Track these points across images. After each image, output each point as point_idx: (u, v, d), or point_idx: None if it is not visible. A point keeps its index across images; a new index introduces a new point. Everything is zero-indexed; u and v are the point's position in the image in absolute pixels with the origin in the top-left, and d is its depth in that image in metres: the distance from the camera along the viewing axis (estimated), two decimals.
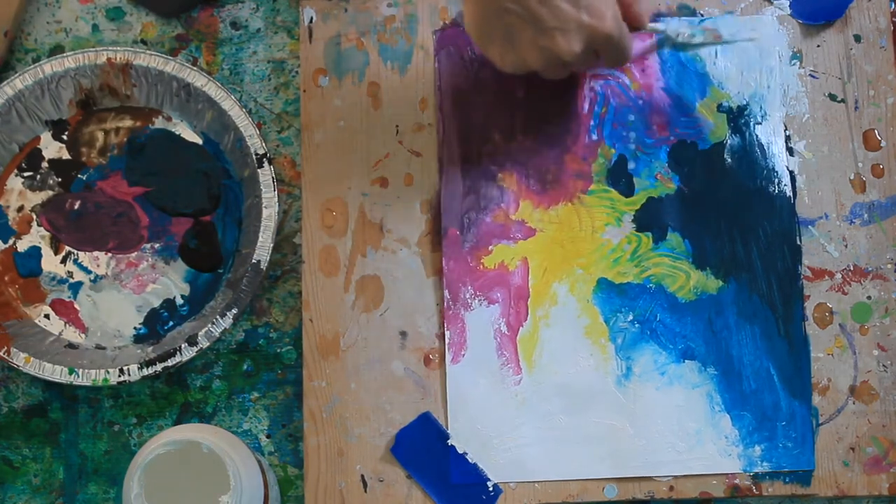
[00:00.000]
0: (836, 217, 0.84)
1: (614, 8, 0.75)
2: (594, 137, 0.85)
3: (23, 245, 0.86)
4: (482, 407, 0.82)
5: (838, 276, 0.83)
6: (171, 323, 0.85)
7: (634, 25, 0.79)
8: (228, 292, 0.83)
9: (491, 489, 0.81)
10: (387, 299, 0.84)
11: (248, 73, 0.88)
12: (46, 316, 0.85)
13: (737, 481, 0.81)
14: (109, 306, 0.85)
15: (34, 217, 0.86)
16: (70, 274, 0.86)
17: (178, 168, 0.87)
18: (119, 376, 0.81)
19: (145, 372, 0.81)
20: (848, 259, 0.83)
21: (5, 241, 0.86)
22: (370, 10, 0.87)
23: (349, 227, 0.84)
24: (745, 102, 0.85)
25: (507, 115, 0.85)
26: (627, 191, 0.84)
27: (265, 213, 0.82)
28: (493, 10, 0.74)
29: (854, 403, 0.82)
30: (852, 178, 0.84)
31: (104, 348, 0.85)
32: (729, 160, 0.84)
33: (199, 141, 0.87)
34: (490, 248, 0.84)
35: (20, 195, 0.87)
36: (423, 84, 0.86)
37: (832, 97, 0.85)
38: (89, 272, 0.86)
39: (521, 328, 0.83)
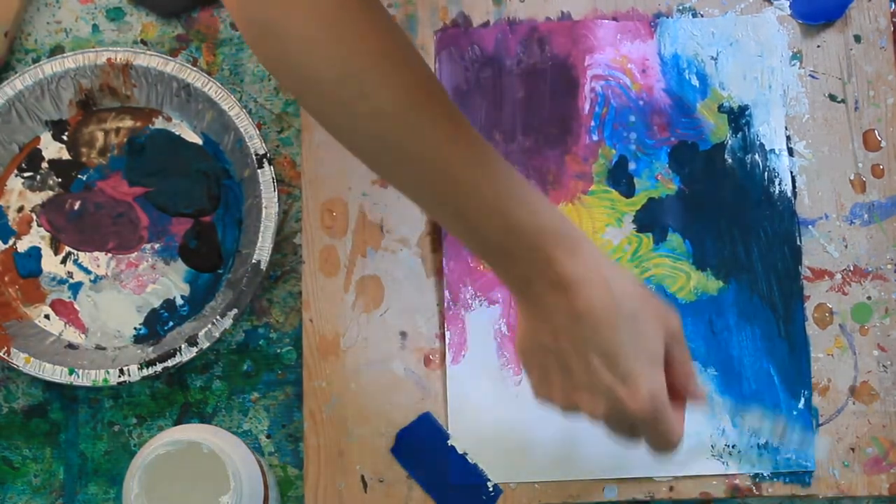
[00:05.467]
0: (837, 217, 0.84)
1: (656, 384, 0.66)
2: (595, 138, 0.85)
3: (23, 245, 0.86)
4: (482, 407, 0.82)
5: (838, 276, 0.83)
6: (171, 323, 0.85)
7: (690, 400, 0.70)
8: (228, 292, 0.83)
9: (491, 489, 0.81)
10: (387, 299, 0.84)
11: (248, 74, 0.88)
12: (46, 316, 0.85)
13: (737, 482, 0.81)
14: (109, 307, 0.85)
15: (34, 217, 0.86)
16: (70, 274, 0.86)
17: (178, 168, 0.87)
18: (119, 376, 0.81)
19: (145, 372, 0.81)
20: (848, 259, 0.83)
21: (5, 242, 0.86)
22: None
23: (349, 228, 0.84)
24: (745, 103, 0.85)
25: (507, 115, 0.85)
26: (628, 191, 0.84)
27: (265, 213, 0.82)
28: (535, 343, 0.68)
29: (854, 404, 0.82)
30: (852, 178, 0.84)
31: (104, 349, 0.85)
32: (729, 161, 0.84)
33: (199, 141, 0.87)
34: None
35: (20, 195, 0.87)
36: None
37: (832, 97, 0.85)
38: (89, 272, 0.86)
39: None
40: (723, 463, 0.81)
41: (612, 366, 0.66)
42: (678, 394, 0.69)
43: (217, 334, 0.81)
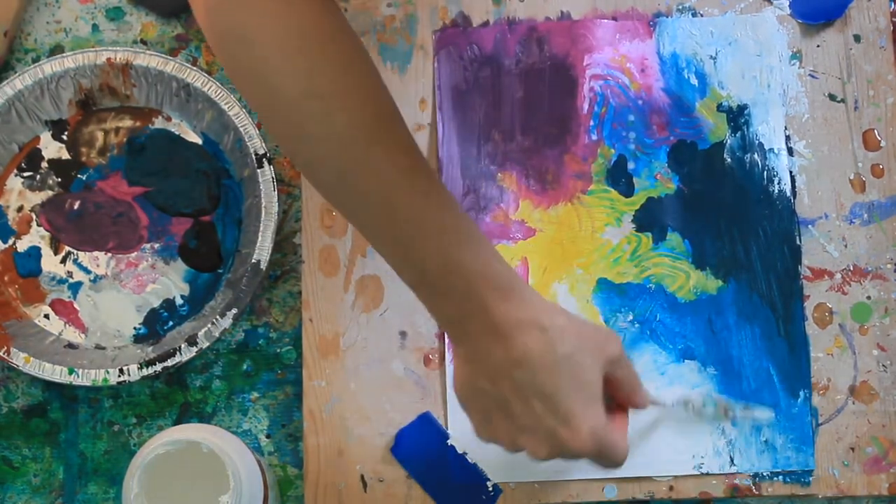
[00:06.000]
0: (836, 217, 0.84)
1: (596, 420, 0.67)
2: (594, 137, 0.85)
3: (22, 245, 0.86)
4: None
5: (838, 276, 0.83)
6: (170, 323, 0.85)
7: (635, 408, 0.73)
8: (228, 292, 0.83)
9: (491, 489, 0.81)
10: (387, 299, 0.84)
11: None
12: (46, 316, 0.85)
13: (736, 481, 0.81)
14: (109, 306, 0.85)
15: (34, 217, 0.86)
16: (70, 274, 0.86)
17: (178, 168, 0.87)
18: (119, 376, 0.81)
19: (145, 372, 0.81)
20: (848, 259, 0.83)
21: (5, 241, 0.86)
22: (370, 10, 0.87)
23: (349, 227, 0.84)
24: (744, 102, 0.85)
25: (506, 115, 0.85)
26: (627, 191, 0.84)
27: (265, 212, 0.82)
28: (473, 386, 0.68)
29: (854, 403, 0.82)
30: (852, 178, 0.84)
31: (104, 348, 0.85)
32: (729, 160, 0.84)
33: (199, 141, 0.87)
34: None
35: (20, 195, 0.87)
36: (423, 84, 0.86)
37: (832, 97, 0.85)
38: (89, 272, 0.86)
39: None
40: (722, 462, 0.81)
41: (553, 408, 0.66)
42: (624, 406, 0.72)
43: (217, 334, 0.81)
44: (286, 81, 0.63)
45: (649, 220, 0.84)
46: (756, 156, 0.84)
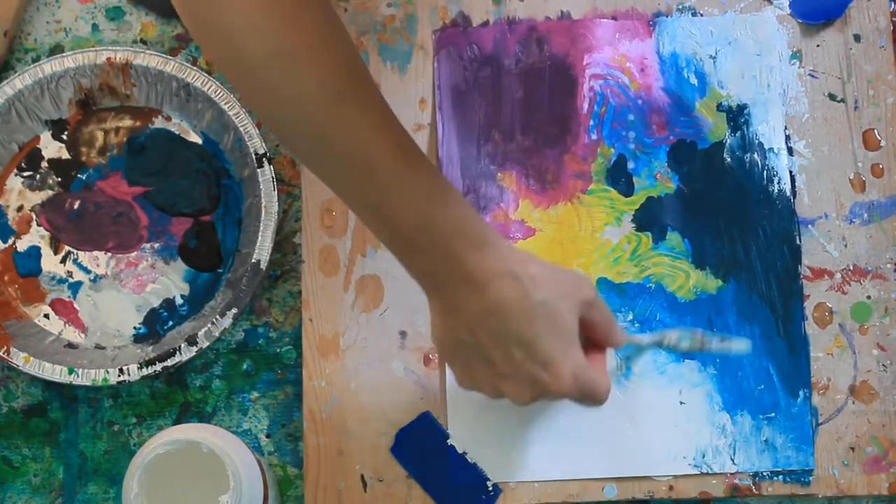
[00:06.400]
0: (836, 217, 0.84)
1: (576, 361, 0.69)
2: (594, 137, 0.85)
3: (22, 245, 0.86)
4: (482, 407, 0.82)
5: (838, 275, 0.83)
6: (170, 323, 0.85)
7: (612, 347, 0.75)
8: (228, 292, 0.83)
9: (491, 489, 0.81)
10: (387, 299, 0.84)
11: None
12: (46, 316, 0.85)
13: (736, 481, 0.81)
14: (109, 306, 0.85)
15: (34, 217, 0.86)
16: (70, 274, 0.86)
17: (178, 168, 0.87)
18: (119, 376, 0.81)
19: (145, 372, 0.81)
20: (848, 259, 0.83)
21: (5, 241, 0.86)
22: (370, 10, 0.87)
23: (349, 227, 0.84)
24: (744, 102, 0.85)
25: (506, 115, 0.85)
26: (627, 190, 0.84)
27: (265, 213, 0.82)
28: (452, 337, 0.70)
29: (854, 403, 0.82)
30: (852, 177, 0.84)
31: (104, 348, 0.85)
32: (728, 160, 0.84)
33: (199, 141, 0.87)
34: None
35: (20, 195, 0.87)
36: (423, 84, 0.86)
37: (832, 97, 0.85)
38: (89, 272, 0.86)
39: None
40: (722, 462, 0.81)
41: (532, 354, 0.68)
42: (601, 345, 0.74)
43: (217, 334, 0.81)
44: (253, 41, 0.63)
45: (649, 219, 0.84)
46: (756, 155, 0.84)
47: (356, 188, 0.68)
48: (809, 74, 0.85)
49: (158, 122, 0.87)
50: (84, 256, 0.86)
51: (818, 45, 0.86)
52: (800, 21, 0.86)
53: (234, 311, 0.81)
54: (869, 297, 0.83)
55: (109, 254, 0.86)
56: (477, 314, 0.68)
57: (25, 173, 0.87)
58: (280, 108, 0.66)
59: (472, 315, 0.68)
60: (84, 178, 0.87)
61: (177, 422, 0.84)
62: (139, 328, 0.85)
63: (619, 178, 0.84)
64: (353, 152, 0.66)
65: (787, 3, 0.86)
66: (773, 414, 0.81)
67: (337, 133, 0.65)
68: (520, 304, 0.68)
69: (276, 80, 0.64)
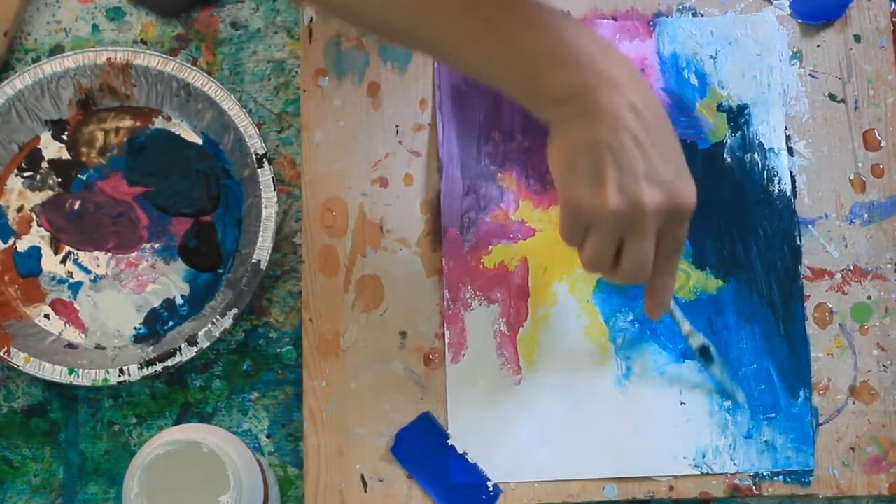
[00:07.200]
0: (836, 217, 0.84)
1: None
2: None
3: (23, 245, 0.86)
4: (482, 407, 0.82)
5: (838, 276, 0.83)
6: (170, 323, 0.85)
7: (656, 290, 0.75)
8: (228, 292, 0.83)
9: (491, 489, 0.81)
10: (387, 299, 0.84)
11: (248, 73, 0.88)
12: (46, 316, 0.85)
13: (736, 481, 0.81)
14: (109, 306, 0.85)
15: (34, 217, 0.86)
16: (70, 274, 0.86)
17: (178, 168, 0.87)
18: (119, 376, 0.81)
19: (145, 372, 0.81)
20: (848, 259, 0.83)
21: (5, 241, 0.86)
22: None
23: (349, 227, 0.84)
24: (744, 102, 0.85)
25: (507, 115, 0.85)
26: None
27: (265, 213, 0.82)
28: (587, 145, 0.69)
29: (854, 403, 0.82)
30: (852, 178, 0.84)
31: (104, 348, 0.85)
32: (729, 160, 0.84)
33: (199, 141, 0.87)
34: (490, 247, 0.84)
35: (20, 195, 0.87)
36: (423, 84, 0.86)
37: (832, 97, 0.85)
38: (89, 272, 0.86)
39: (520, 328, 0.83)
40: (722, 462, 0.81)
41: (668, 159, 0.69)
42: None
43: (217, 334, 0.81)
44: None
45: None
46: (756, 155, 0.84)
47: (463, 22, 0.69)
48: (810, 75, 0.85)
49: (158, 123, 0.87)
50: (84, 256, 0.86)
51: (818, 46, 0.86)
52: (800, 21, 0.86)
53: (235, 311, 0.81)
54: (869, 298, 0.83)
55: (109, 254, 0.86)
56: (620, 111, 0.68)
57: (26, 173, 0.87)
58: None
59: (615, 113, 0.68)
60: (84, 178, 0.87)
61: (177, 422, 0.84)
62: (139, 328, 0.85)
63: None
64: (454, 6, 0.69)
65: (788, 3, 0.86)
66: (773, 414, 0.81)
67: None
68: (658, 108, 0.70)
69: None
